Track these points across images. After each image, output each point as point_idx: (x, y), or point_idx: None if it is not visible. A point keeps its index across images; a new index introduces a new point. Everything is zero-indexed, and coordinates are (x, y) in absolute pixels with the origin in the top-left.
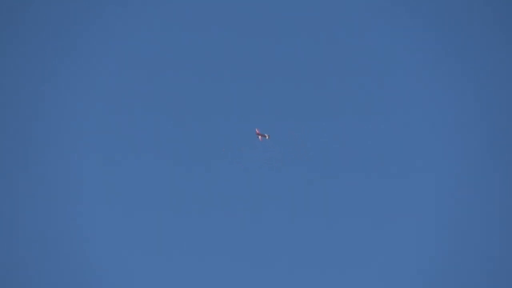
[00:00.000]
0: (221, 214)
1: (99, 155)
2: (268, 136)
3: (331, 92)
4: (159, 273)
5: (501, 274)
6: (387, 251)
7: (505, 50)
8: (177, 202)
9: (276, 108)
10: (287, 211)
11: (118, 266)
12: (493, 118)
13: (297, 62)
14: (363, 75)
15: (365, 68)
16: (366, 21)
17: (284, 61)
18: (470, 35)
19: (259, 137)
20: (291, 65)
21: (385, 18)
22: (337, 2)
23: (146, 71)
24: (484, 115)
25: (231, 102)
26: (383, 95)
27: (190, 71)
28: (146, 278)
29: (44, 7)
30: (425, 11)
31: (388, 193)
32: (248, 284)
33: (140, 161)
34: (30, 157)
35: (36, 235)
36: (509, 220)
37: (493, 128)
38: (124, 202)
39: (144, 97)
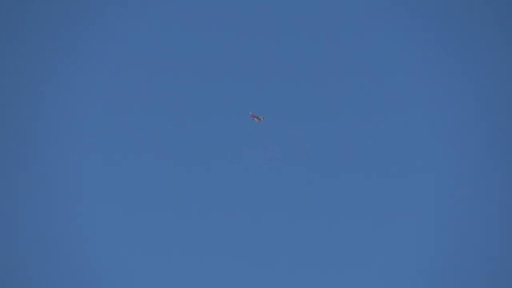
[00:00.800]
0: (221, 214)
1: (99, 155)
2: (263, 118)
3: (331, 92)
4: (159, 273)
5: (501, 274)
6: (387, 251)
7: (505, 50)
8: (177, 202)
9: (276, 108)
10: (287, 211)
11: (118, 266)
12: (493, 118)
13: (297, 62)
14: (363, 75)
15: (365, 68)
16: (366, 21)
17: (284, 61)
18: (470, 35)
19: (255, 119)
20: (291, 65)
21: (385, 18)
22: (337, 2)
23: (146, 71)
24: (484, 115)
25: (231, 102)
26: (383, 95)
27: (190, 71)
28: (146, 278)
29: (44, 7)
30: (425, 11)
31: (388, 193)
32: (248, 284)
33: (140, 161)
34: (30, 157)
35: (36, 235)
36: (509, 220)
37: (493, 128)
38: (124, 202)
39: (144, 97)
